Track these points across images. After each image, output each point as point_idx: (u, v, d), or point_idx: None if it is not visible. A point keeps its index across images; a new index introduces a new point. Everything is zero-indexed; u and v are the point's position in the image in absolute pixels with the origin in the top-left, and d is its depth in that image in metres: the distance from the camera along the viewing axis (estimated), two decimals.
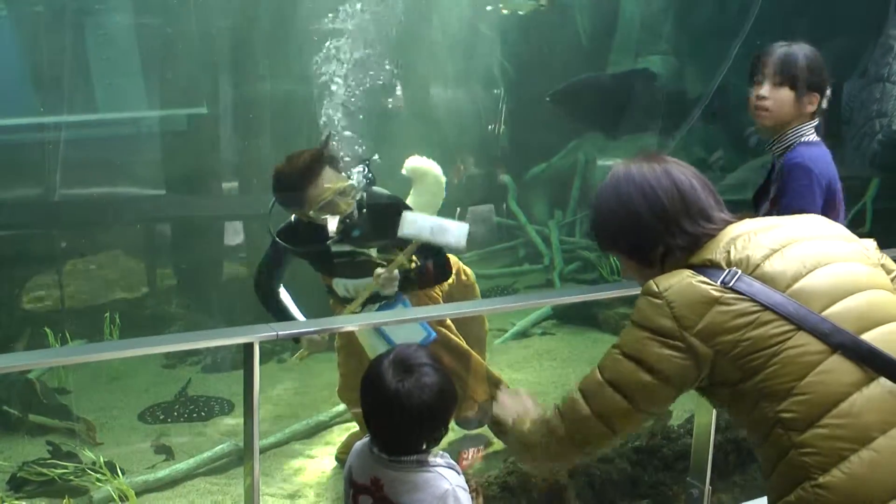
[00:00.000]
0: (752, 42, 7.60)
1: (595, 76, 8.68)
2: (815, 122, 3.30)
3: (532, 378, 5.98)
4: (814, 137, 3.30)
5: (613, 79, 8.67)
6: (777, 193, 3.26)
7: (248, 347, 2.58)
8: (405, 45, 7.42)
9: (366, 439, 2.46)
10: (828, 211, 3.18)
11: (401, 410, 2.27)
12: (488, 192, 9.39)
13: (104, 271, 7.16)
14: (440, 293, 4.46)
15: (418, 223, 3.82)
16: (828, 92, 3.30)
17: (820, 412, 1.85)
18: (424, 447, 2.37)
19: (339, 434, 5.12)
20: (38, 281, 6.89)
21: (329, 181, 3.86)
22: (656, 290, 2.00)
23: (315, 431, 5.20)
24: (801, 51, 3.24)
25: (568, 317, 7.10)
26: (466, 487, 2.39)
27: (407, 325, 4.00)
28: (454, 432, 4.68)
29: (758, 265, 1.95)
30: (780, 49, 3.25)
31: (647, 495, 4.22)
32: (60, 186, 7.00)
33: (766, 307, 1.89)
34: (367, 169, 4.07)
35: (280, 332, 2.65)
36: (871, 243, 2.14)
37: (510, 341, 6.83)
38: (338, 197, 3.88)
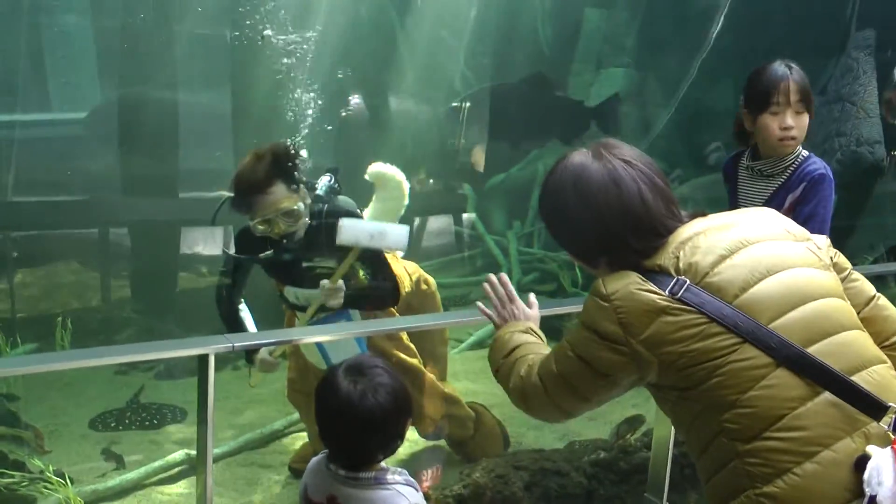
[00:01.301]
0: (713, 58, 7.66)
1: (499, 84, 8.53)
2: None
3: (489, 389, 5.91)
4: None
5: (512, 87, 8.41)
6: (796, 202, 3.25)
7: (203, 359, 2.53)
8: (366, 54, 7.41)
9: (321, 456, 2.40)
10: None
11: (353, 413, 2.22)
12: (448, 202, 9.38)
13: (57, 275, 7.02)
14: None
15: (356, 229, 3.72)
16: None
17: (764, 425, 1.84)
18: (381, 458, 2.32)
19: (293, 443, 5.06)
20: None
21: (279, 197, 3.72)
22: (604, 292, 1.97)
23: (269, 440, 5.12)
24: (801, 71, 3.19)
25: None
26: None
27: (343, 340, 3.86)
28: (411, 443, 4.64)
29: (706, 273, 1.93)
30: (787, 71, 3.16)
31: None
32: (12, 188, 6.87)
33: (712, 319, 1.88)
34: (333, 178, 3.98)
35: (236, 344, 2.61)
36: (822, 240, 2.10)
37: (467, 352, 6.77)
38: (280, 217, 3.74)
